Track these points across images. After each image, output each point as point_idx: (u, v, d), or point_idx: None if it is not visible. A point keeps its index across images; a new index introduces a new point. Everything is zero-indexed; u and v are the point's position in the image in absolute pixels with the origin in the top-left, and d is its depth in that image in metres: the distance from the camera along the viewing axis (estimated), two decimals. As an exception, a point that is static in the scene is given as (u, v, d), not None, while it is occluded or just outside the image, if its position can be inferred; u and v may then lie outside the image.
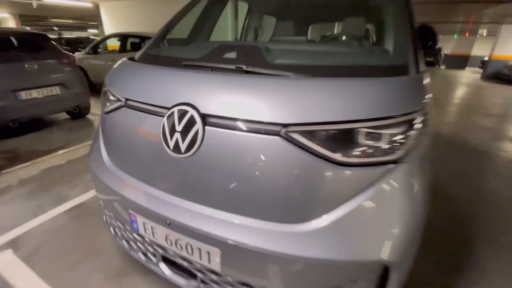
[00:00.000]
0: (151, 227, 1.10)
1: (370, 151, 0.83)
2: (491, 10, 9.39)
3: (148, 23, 8.15)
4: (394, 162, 0.85)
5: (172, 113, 0.97)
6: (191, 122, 0.94)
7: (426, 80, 1.01)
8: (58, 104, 3.97)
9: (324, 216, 0.87)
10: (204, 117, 0.93)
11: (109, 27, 9.84)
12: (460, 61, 17.31)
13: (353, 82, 0.89)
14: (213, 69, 1.11)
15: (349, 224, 0.85)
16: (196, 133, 0.93)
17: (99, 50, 6.51)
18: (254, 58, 1.14)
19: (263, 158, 0.87)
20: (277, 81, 0.94)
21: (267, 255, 0.88)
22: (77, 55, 6.29)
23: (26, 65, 3.52)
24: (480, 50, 17.32)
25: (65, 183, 2.54)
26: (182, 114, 0.95)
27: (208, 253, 0.98)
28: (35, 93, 3.59)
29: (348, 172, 0.84)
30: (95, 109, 4.77)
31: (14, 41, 3.76)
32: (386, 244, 0.85)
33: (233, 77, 1.00)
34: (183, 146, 0.95)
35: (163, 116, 1.00)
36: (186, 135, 0.94)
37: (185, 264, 1.11)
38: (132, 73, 1.25)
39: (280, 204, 0.89)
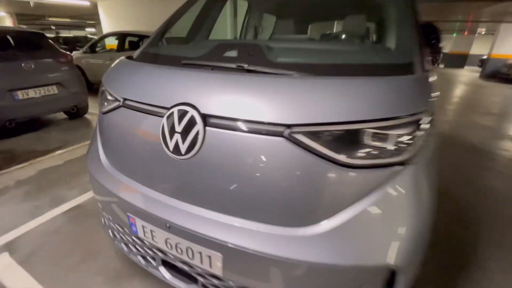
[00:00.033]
0: (151, 231, 1.07)
1: (377, 152, 0.81)
2: (491, 8, 9.40)
3: (146, 22, 8.11)
4: (401, 164, 0.83)
5: (172, 113, 0.94)
6: (191, 123, 0.91)
7: (433, 79, 0.98)
8: (56, 104, 3.93)
9: (329, 219, 0.84)
10: (205, 118, 0.90)
11: (107, 26, 9.78)
12: (459, 60, 17.30)
13: (359, 81, 0.86)
14: (214, 68, 1.08)
15: (354, 228, 0.83)
16: (197, 134, 0.90)
17: (97, 49, 6.46)
18: (256, 57, 1.11)
19: (266, 160, 0.84)
20: (279, 80, 0.91)
21: (271, 260, 0.85)
22: (74, 54, 6.24)
23: (22, 65, 3.48)
24: (479, 48, 17.34)
25: (62, 184, 2.50)
26: (182, 114, 0.92)
27: (209, 257, 0.96)
28: (32, 93, 3.55)
29: (354, 174, 0.82)
30: (93, 109, 4.73)
31: (11, 40, 3.71)
32: (393, 248, 0.82)
33: (234, 76, 0.97)
34: (183, 148, 0.92)
35: (162, 117, 0.97)
36: (186, 136, 0.91)
37: (185, 268, 1.09)
38: (130, 72, 1.22)
39: (284, 207, 0.87)
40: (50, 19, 18.36)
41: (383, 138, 0.81)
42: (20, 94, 3.44)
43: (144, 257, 1.25)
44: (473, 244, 1.87)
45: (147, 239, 1.11)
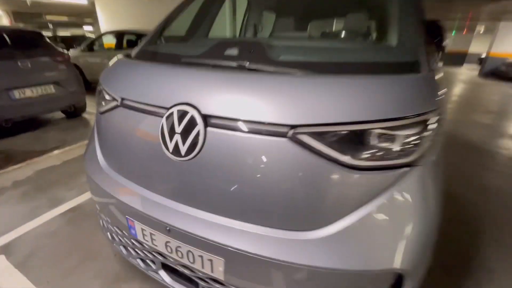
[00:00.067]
0: (150, 234, 1.04)
1: (384, 154, 0.78)
2: (490, 7, 9.38)
3: (144, 20, 8.03)
4: (408, 165, 0.80)
5: (171, 113, 0.91)
6: (191, 123, 0.88)
7: (440, 78, 0.96)
8: (53, 103, 3.90)
9: (335, 222, 0.82)
10: (206, 118, 0.88)
11: (104, 25, 9.70)
12: (458, 58, 17.31)
13: (365, 80, 0.84)
14: (214, 66, 1.05)
15: (360, 231, 0.81)
16: (197, 135, 0.87)
17: (95, 47, 6.41)
18: (257, 55, 1.08)
19: (269, 162, 0.82)
20: (283, 79, 0.88)
21: (274, 264, 0.83)
22: (72, 52, 6.19)
23: (19, 63, 3.44)
24: (477, 47, 17.34)
25: (60, 185, 2.47)
26: (182, 114, 0.89)
27: (211, 261, 0.93)
28: (29, 92, 3.51)
29: (360, 176, 0.79)
30: (91, 108, 4.69)
31: (7, 39, 3.66)
32: (400, 252, 0.80)
33: (236, 75, 0.94)
34: (183, 149, 0.89)
35: (161, 117, 0.94)
36: (187, 137, 0.88)
37: (186, 272, 1.06)
38: (128, 71, 1.19)
39: (288, 210, 0.84)
40: (48, 17, 18.22)
41: (391, 139, 0.78)
42: (16, 94, 3.40)
43: (143, 260, 1.22)
44: (474, 244, 1.86)
45: (146, 242, 1.09)
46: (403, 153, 0.79)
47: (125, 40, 5.74)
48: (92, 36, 8.01)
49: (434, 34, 1.40)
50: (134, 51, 1.43)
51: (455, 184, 2.66)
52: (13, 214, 2.06)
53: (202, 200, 0.94)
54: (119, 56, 1.38)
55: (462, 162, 3.19)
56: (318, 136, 0.79)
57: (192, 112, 0.88)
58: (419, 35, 1.02)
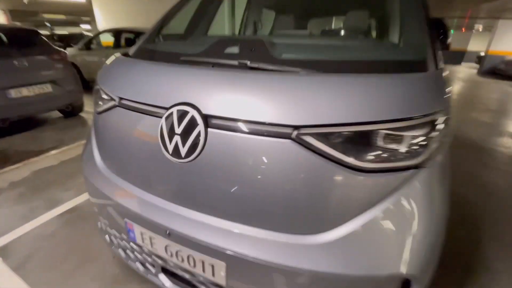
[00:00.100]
0: (149, 237, 1.01)
1: (391, 155, 0.76)
2: (488, 5, 9.36)
3: (142, 18, 7.98)
4: (416, 167, 0.78)
5: (171, 113, 0.88)
6: (192, 124, 0.85)
7: (447, 77, 0.93)
8: (50, 102, 3.85)
9: (340, 226, 0.79)
10: (206, 118, 0.85)
11: (102, 23, 9.62)
12: (457, 57, 17.30)
13: (371, 79, 0.81)
14: (214, 65, 1.02)
15: (367, 235, 0.78)
16: (198, 136, 0.84)
17: (92, 46, 6.35)
18: (259, 53, 1.05)
19: (272, 163, 0.79)
20: (286, 78, 0.85)
21: (277, 269, 0.81)
22: (69, 51, 6.12)
23: (15, 62, 3.39)
24: (476, 45, 17.33)
25: (58, 186, 2.43)
26: (182, 114, 0.87)
27: (212, 266, 0.90)
28: (25, 91, 3.46)
29: (366, 178, 0.77)
30: (89, 107, 4.64)
31: (3, 37, 3.61)
32: (408, 256, 0.78)
33: (238, 74, 0.91)
34: (183, 150, 0.86)
35: (160, 117, 0.91)
36: (187, 138, 0.86)
37: (186, 276, 1.04)
38: (126, 70, 1.16)
39: (292, 213, 0.82)
40: (45, 16, 18.09)
41: (398, 140, 0.76)
42: (13, 93, 3.35)
43: (143, 264, 1.19)
44: (476, 244, 1.84)
45: (145, 246, 1.06)
46: (410, 154, 0.77)
47: (123, 38, 5.69)
48: (90, 34, 7.92)
49: (437, 31, 1.38)
50: (132, 50, 1.40)
51: (455, 183, 2.65)
52: (10, 216, 2.02)
53: (203, 202, 0.92)
54: (117, 54, 1.35)
55: (462, 161, 3.18)
56: (322, 137, 0.76)
57: (192, 112, 0.85)
58: (426, 33, 1.00)
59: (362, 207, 0.79)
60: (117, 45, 5.80)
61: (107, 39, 6.27)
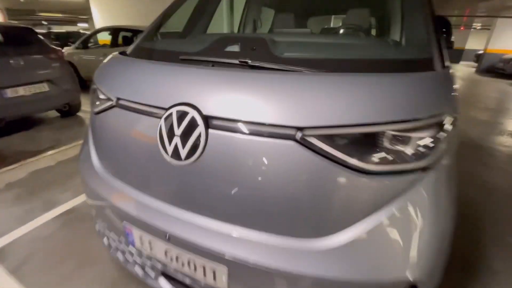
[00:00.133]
0: (149, 241, 0.99)
1: (399, 157, 0.73)
2: (487, 3, 9.37)
3: (140, 16, 7.92)
4: (423, 169, 0.76)
5: (170, 114, 0.86)
6: (192, 125, 0.82)
7: (454, 76, 0.91)
8: (47, 102, 3.80)
9: (346, 230, 0.77)
10: (207, 119, 0.82)
11: (100, 21, 9.55)
12: (455, 55, 17.33)
13: (378, 78, 0.79)
14: (214, 64, 0.99)
15: (373, 239, 0.76)
16: (198, 137, 0.82)
17: (90, 44, 6.29)
18: (260, 52, 1.02)
19: (275, 166, 0.77)
20: (289, 77, 0.83)
21: (281, 275, 0.78)
22: (66, 50, 6.07)
23: (11, 61, 3.34)
24: (474, 43, 17.36)
25: (55, 187, 2.40)
26: (182, 115, 0.84)
27: (214, 271, 0.88)
28: (21, 91, 3.42)
29: (372, 181, 0.74)
30: (86, 106, 4.59)
31: (-1, 36, 3.57)
32: (415, 261, 0.76)
33: (240, 73, 0.88)
34: (183, 152, 0.84)
35: (159, 118, 0.88)
36: (187, 139, 0.83)
37: (187, 281, 1.01)
38: (124, 69, 1.13)
39: (296, 217, 0.79)
40: (41, 14, 17.94)
41: (406, 141, 0.73)
42: (9, 92, 3.30)
43: (142, 268, 1.17)
44: (477, 244, 1.83)
45: (144, 250, 1.04)
46: (417, 157, 0.74)
47: (121, 36, 5.64)
48: (87, 33, 7.86)
49: (440, 29, 1.35)
50: (130, 48, 1.37)
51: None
52: (6, 218, 1.99)
53: (204, 205, 0.89)
54: (114, 53, 1.32)
55: (462, 160, 3.16)
56: (328, 139, 0.74)
57: (192, 113, 0.83)
58: (432, 31, 0.97)
59: (367, 211, 0.76)
60: (114, 43, 5.75)
61: (105, 38, 6.22)
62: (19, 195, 2.27)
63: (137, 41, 1.42)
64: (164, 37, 1.54)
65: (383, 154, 0.74)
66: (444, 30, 1.37)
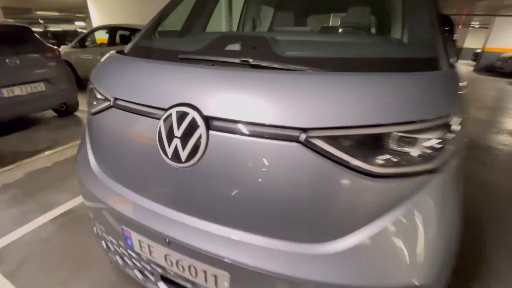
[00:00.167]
0: (148, 245, 0.96)
1: (406, 160, 0.71)
2: (485, 2, 9.37)
3: (138, 15, 7.85)
4: (431, 171, 0.74)
5: (170, 115, 0.83)
6: (192, 126, 0.80)
7: (460, 75, 0.89)
8: (44, 102, 3.76)
9: (351, 234, 0.75)
10: (208, 120, 0.80)
11: (97, 19, 9.47)
12: (453, 54, 17.33)
13: (384, 78, 0.76)
14: (215, 63, 0.96)
15: (379, 243, 0.74)
16: (199, 139, 0.79)
17: (87, 43, 6.23)
18: (261, 50, 1.00)
19: (279, 168, 0.74)
20: (292, 77, 0.80)
21: (284, 280, 0.76)
22: (63, 49, 6.01)
23: (7, 60, 3.29)
24: (472, 42, 17.39)
25: (52, 188, 2.37)
26: (181, 116, 0.81)
27: (215, 276, 0.86)
28: (17, 90, 3.37)
29: (379, 184, 0.72)
30: (84, 106, 4.55)
31: (-6, 35, 3.51)
32: (421, 266, 0.74)
33: (242, 73, 0.85)
34: (183, 154, 0.81)
35: (158, 119, 0.85)
36: (187, 141, 0.80)
37: (188, 286, 0.99)
38: (122, 68, 1.10)
39: (300, 221, 0.77)
40: (38, 13, 17.80)
41: (413, 143, 0.71)
42: (5, 92, 3.26)
43: (141, 272, 1.14)
44: (477, 244, 1.82)
45: (144, 254, 1.01)
46: (424, 159, 0.72)
47: (118, 35, 5.58)
48: (85, 31, 7.79)
49: (444, 28, 1.33)
50: (127, 47, 1.34)
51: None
52: (2, 220, 1.96)
53: (205, 209, 0.87)
54: (112, 52, 1.29)
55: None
56: (333, 140, 0.71)
57: (192, 113, 0.80)
58: (438, 29, 0.95)
59: (373, 214, 0.74)
60: (112, 42, 5.70)
61: (102, 36, 6.16)
62: (15, 197, 2.24)
63: (135, 39, 1.39)
64: (163, 36, 1.51)
65: (389, 156, 0.72)
66: (447, 28, 1.35)
